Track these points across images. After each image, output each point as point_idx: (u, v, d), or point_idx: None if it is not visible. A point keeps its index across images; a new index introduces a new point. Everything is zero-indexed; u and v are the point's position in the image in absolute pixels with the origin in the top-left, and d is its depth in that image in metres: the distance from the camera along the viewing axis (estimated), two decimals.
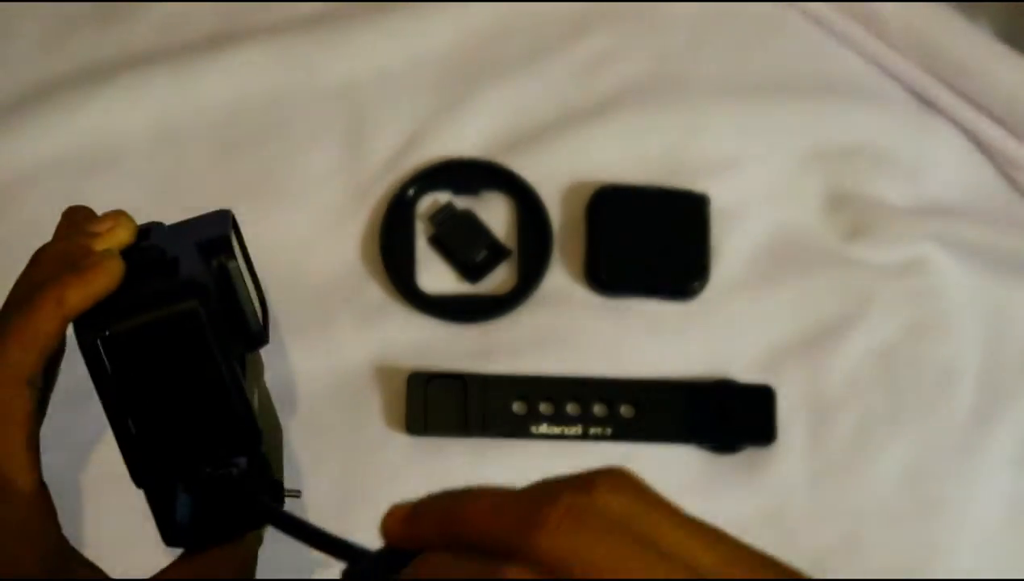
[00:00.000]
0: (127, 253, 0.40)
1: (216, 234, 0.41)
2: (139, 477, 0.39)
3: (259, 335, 0.42)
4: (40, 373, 0.38)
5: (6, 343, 0.37)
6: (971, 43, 0.66)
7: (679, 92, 0.68)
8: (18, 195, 0.65)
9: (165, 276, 0.39)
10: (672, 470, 0.63)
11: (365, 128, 0.67)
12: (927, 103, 0.69)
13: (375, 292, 0.64)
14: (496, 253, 0.65)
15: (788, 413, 0.63)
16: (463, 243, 0.64)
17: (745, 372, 0.64)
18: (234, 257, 0.41)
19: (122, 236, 0.41)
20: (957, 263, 0.66)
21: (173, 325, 0.37)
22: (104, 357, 0.37)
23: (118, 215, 0.41)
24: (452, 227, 0.65)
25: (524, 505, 0.30)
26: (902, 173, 0.68)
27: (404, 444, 0.62)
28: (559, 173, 0.66)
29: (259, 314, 0.43)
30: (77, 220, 0.42)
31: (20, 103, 0.66)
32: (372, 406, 0.63)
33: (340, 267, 0.64)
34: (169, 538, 0.40)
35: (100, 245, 0.40)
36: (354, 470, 0.62)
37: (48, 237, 0.63)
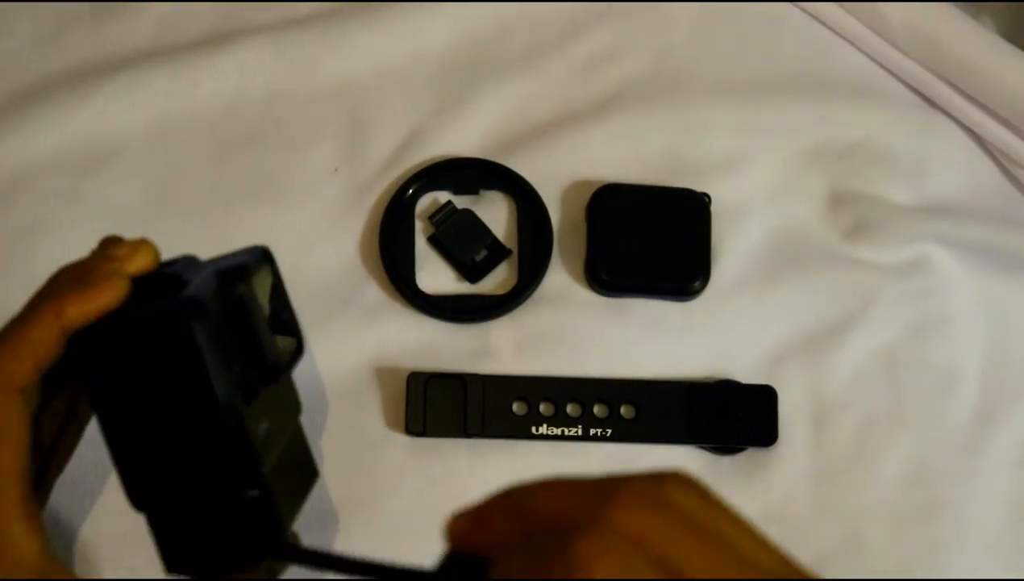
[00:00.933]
0: (143, 278, 0.40)
1: (236, 262, 0.40)
2: (136, 500, 0.38)
3: (276, 366, 0.41)
4: (36, 384, 0.38)
5: (0, 352, 0.37)
6: (974, 41, 0.65)
7: (680, 91, 0.68)
8: (16, 194, 0.64)
9: (170, 298, 0.38)
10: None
11: (364, 127, 0.67)
12: (930, 101, 0.69)
13: (374, 292, 0.64)
14: (496, 253, 0.65)
15: (790, 414, 0.63)
16: (463, 243, 0.64)
17: (746, 372, 0.64)
18: (249, 284, 0.40)
19: (140, 262, 0.40)
20: (960, 263, 0.66)
21: (165, 342, 0.37)
22: (94, 372, 0.37)
23: (140, 242, 0.41)
24: (452, 227, 0.64)
25: (599, 486, 0.31)
26: (904, 172, 0.68)
27: (403, 444, 0.62)
28: (559, 172, 0.66)
29: (283, 347, 0.42)
30: (105, 247, 0.42)
31: (18, 102, 0.65)
32: (371, 406, 0.62)
33: (339, 267, 0.64)
34: (172, 564, 0.39)
35: (113, 266, 0.40)
36: (353, 470, 0.61)
37: (46, 236, 0.63)
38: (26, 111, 0.65)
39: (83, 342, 0.37)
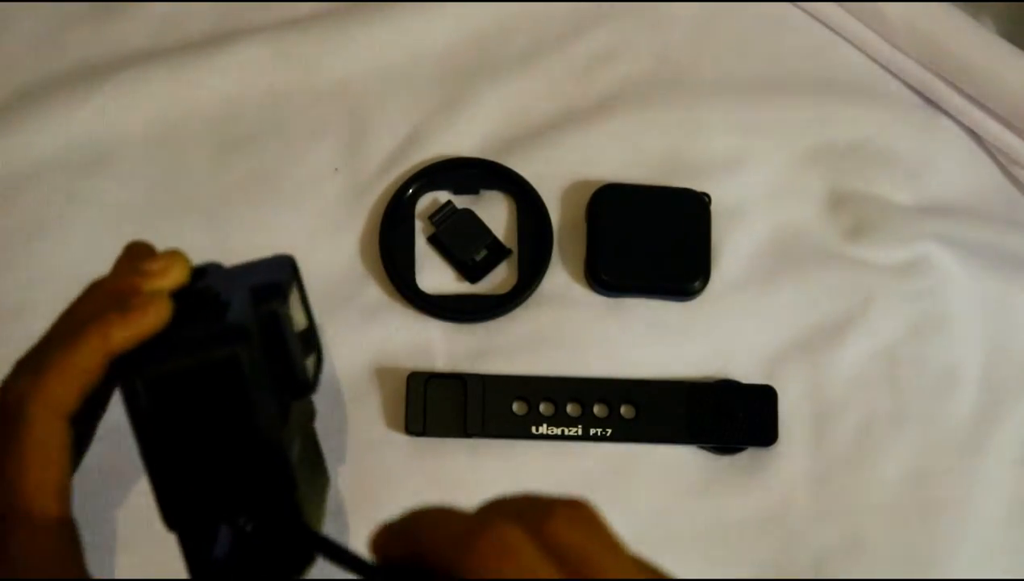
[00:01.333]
0: (179, 294, 0.40)
1: (271, 279, 0.41)
2: (171, 520, 0.38)
3: (306, 384, 0.41)
4: (79, 409, 0.38)
5: (47, 377, 0.37)
6: (975, 41, 0.65)
7: (680, 90, 0.68)
8: (16, 193, 0.64)
9: (212, 320, 0.38)
10: (673, 471, 0.62)
11: (364, 127, 0.67)
12: (930, 101, 0.69)
13: (374, 291, 0.64)
14: (496, 252, 0.65)
15: (790, 413, 0.63)
16: (463, 242, 0.64)
17: (746, 372, 0.64)
18: (285, 303, 0.40)
19: (176, 276, 0.40)
20: (959, 263, 0.66)
21: (212, 370, 0.37)
22: (141, 397, 0.36)
23: (173, 255, 0.41)
24: (452, 226, 0.64)
25: (464, 528, 0.31)
26: (904, 172, 0.68)
27: (403, 444, 0.62)
28: (559, 172, 0.66)
29: (308, 362, 0.42)
30: (134, 256, 0.41)
31: (18, 101, 0.65)
32: (371, 406, 0.62)
33: (339, 266, 0.64)
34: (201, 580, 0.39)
35: (151, 284, 0.39)
36: (353, 470, 0.61)
37: (46, 236, 0.63)
38: (26, 111, 0.65)
39: (128, 367, 0.37)
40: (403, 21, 0.68)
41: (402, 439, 0.62)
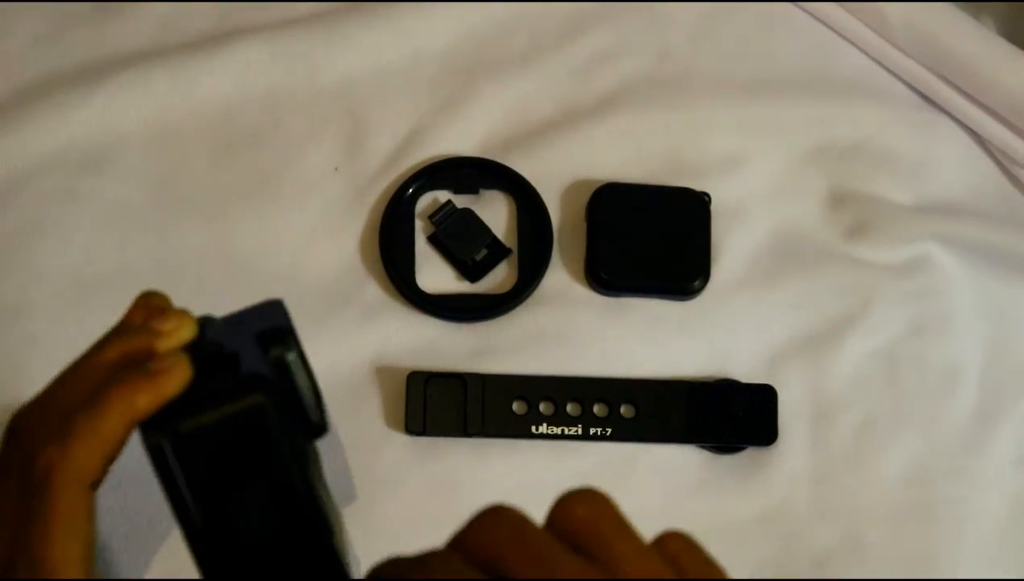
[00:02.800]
0: (189, 349, 0.40)
1: (275, 324, 0.41)
2: (211, 577, 0.38)
3: (319, 426, 0.42)
4: (102, 477, 0.38)
5: (72, 444, 0.37)
6: (975, 41, 0.65)
7: (680, 90, 0.68)
8: (15, 193, 0.64)
9: (227, 372, 0.38)
10: (673, 470, 0.62)
11: (364, 127, 0.67)
12: (930, 101, 0.69)
13: (374, 291, 0.64)
14: (496, 252, 0.65)
15: (789, 413, 0.63)
16: (463, 242, 0.64)
17: (746, 372, 0.64)
18: (293, 348, 0.40)
19: (185, 335, 0.40)
20: (959, 262, 0.66)
21: (239, 421, 0.37)
22: (169, 457, 0.36)
23: (182, 315, 0.41)
24: (452, 226, 0.64)
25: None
26: (904, 171, 0.68)
27: (403, 444, 0.62)
28: (559, 172, 0.66)
29: (316, 404, 0.42)
30: (147, 309, 0.42)
31: (17, 101, 0.65)
32: (371, 406, 0.62)
33: (339, 266, 0.64)
34: None
35: (164, 344, 0.39)
36: (353, 470, 0.61)
37: (46, 236, 0.63)
38: (26, 111, 0.65)
39: (155, 428, 0.37)
40: (403, 21, 0.68)
41: (402, 439, 0.62)
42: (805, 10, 0.70)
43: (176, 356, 0.38)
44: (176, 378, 0.38)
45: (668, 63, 0.69)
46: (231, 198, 0.65)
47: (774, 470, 0.62)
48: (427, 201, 0.66)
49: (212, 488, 0.37)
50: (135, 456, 0.38)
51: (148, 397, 0.37)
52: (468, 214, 0.65)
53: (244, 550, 0.38)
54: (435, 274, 0.64)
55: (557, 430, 0.62)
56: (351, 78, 0.67)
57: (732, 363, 0.64)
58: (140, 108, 0.66)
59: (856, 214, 0.66)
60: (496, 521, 0.31)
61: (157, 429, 0.37)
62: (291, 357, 0.40)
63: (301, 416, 0.41)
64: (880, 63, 0.69)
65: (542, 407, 0.62)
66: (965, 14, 0.66)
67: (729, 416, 0.62)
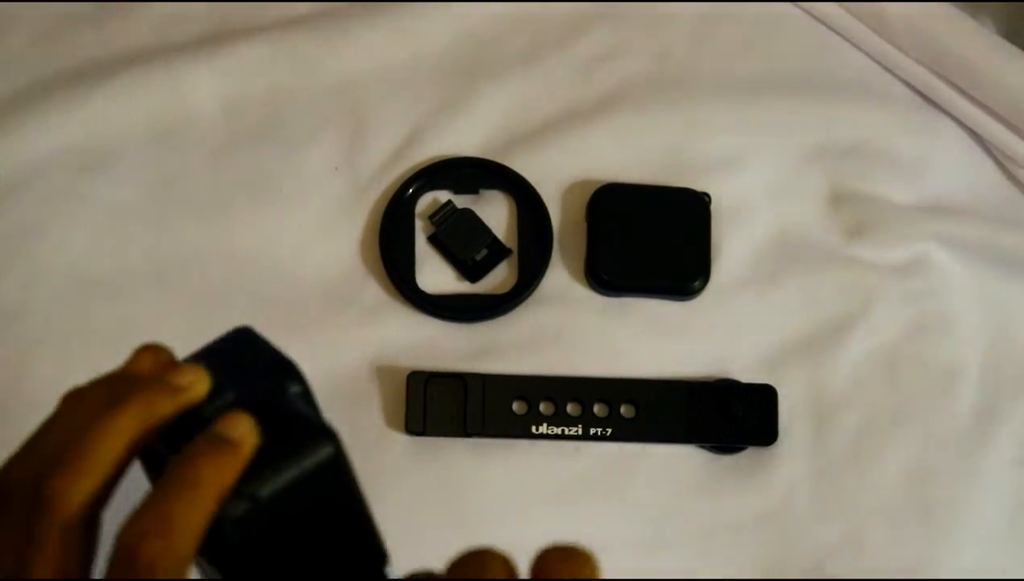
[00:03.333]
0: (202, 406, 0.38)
1: (273, 357, 0.39)
2: None
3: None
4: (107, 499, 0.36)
5: (80, 473, 0.35)
6: (975, 41, 0.65)
7: (680, 90, 0.68)
8: (16, 194, 0.64)
9: (280, 424, 0.36)
10: (673, 470, 0.62)
11: (364, 126, 0.67)
12: (930, 101, 0.69)
13: (374, 291, 0.64)
14: (496, 252, 0.65)
15: (790, 413, 0.63)
16: (463, 242, 0.64)
17: (746, 372, 0.64)
18: (301, 382, 0.39)
19: (201, 390, 0.38)
20: (959, 262, 0.66)
21: (315, 475, 0.36)
22: (250, 525, 0.35)
23: (197, 370, 0.38)
24: (452, 226, 0.64)
25: None
26: (905, 171, 0.68)
27: (403, 444, 0.62)
28: (559, 172, 0.66)
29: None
30: (155, 362, 0.39)
31: (17, 102, 0.65)
32: (371, 406, 0.62)
33: (339, 266, 0.64)
34: None
35: (183, 400, 0.37)
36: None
37: (46, 236, 0.63)
38: (26, 111, 0.65)
39: (241, 502, 0.35)
40: (403, 21, 0.68)
41: (402, 438, 0.62)
42: (805, 10, 0.70)
43: (246, 422, 0.36)
44: (242, 453, 0.36)
45: (668, 63, 0.69)
46: (231, 198, 0.65)
47: (774, 470, 0.62)
48: (427, 201, 0.66)
49: (280, 543, 0.36)
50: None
51: (234, 470, 0.35)
52: (468, 214, 0.65)
53: None
54: (435, 274, 0.64)
55: (557, 430, 0.62)
56: (351, 78, 0.67)
57: (732, 363, 0.64)
58: (140, 108, 0.66)
59: (856, 214, 0.66)
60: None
61: (239, 499, 0.35)
62: (302, 391, 0.39)
63: None
64: (880, 63, 0.69)
65: (542, 407, 0.62)
66: (965, 14, 0.66)
67: (729, 416, 0.62)
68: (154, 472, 0.38)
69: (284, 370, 0.39)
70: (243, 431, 0.36)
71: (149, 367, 0.39)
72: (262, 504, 0.35)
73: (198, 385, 0.38)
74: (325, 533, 0.37)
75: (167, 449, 0.36)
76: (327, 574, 0.37)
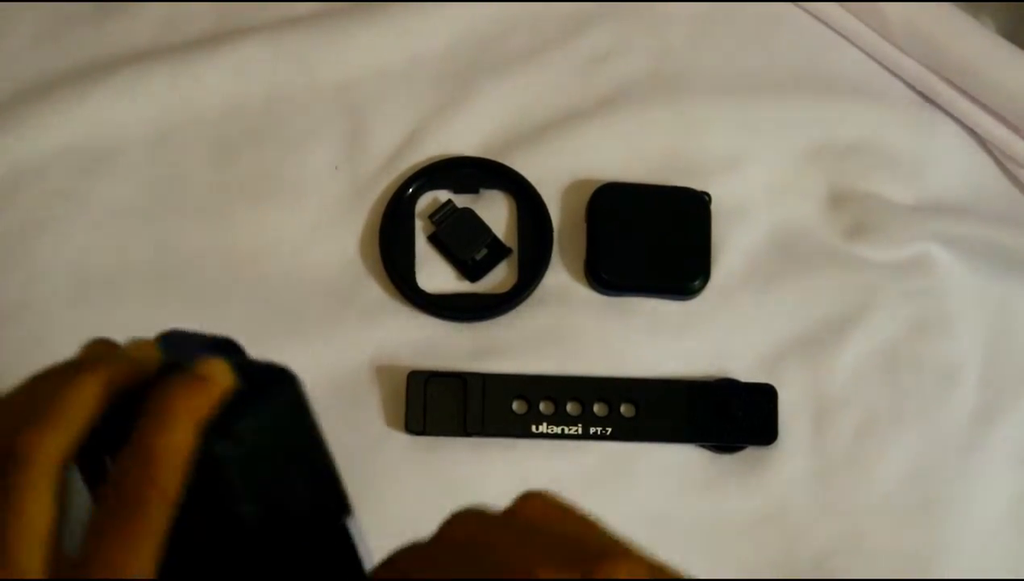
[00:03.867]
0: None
1: (212, 339, 0.41)
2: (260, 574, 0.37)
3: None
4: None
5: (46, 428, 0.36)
6: (974, 40, 0.65)
7: (680, 90, 0.68)
8: (15, 193, 0.64)
9: (241, 371, 0.38)
10: (673, 470, 0.62)
11: (364, 126, 0.67)
12: (930, 101, 0.69)
13: (374, 291, 0.64)
14: (496, 252, 0.65)
15: (790, 412, 0.63)
16: (463, 241, 0.64)
17: (746, 371, 0.64)
18: (242, 353, 0.41)
19: (154, 357, 0.40)
20: (959, 262, 0.66)
21: (284, 412, 0.38)
22: (231, 462, 0.36)
23: (146, 342, 0.40)
24: (452, 225, 0.64)
25: (502, 562, 0.32)
26: (904, 171, 0.68)
27: (403, 443, 0.62)
28: (559, 171, 0.66)
29: None
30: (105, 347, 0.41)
31: (17, 101, 0.65)
32: (371, 405, 0.62)
33: (339, 266, 0.64)
34: None
35: (140, 365, 0.39)
36: (353, 469, 0.61)
37: (46, 236, 0.63)
38: (26, 111, 0.65)
39: (216, 439, 0.36)
40: (403, 21, 0.68)
41: (402, 438, 0.62)
42: (805, 10, 0.70)
43: (220, 363, 0.38)
44: (224, 382, 0.37)
45: (668, 62, 0.69)
46: (231, 198, 0.65)
47: (774, 470, 0.62)
48: (427, 201, 0.66)
49: (261, 485, 0.37)
50: None
51: (207, 400, 0.36)
52: (468, 214, 0.65)
53: (286, 540, 0.38)
54: (435, 274, 0.64)
55: (557, 429, 0.62)
56: (351, 78, 0.67)
57: (732, 363, 0.64)
58: (140, 108, 0.66)
59: (856, 214, 0.66)
60: None
61: (215, 435, 0.36)
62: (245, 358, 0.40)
63: None
64: (880, 63, 0.69)
65: (542, 406, 0.62)
66: (965, 14, 0.66)
67: (729, 416, 0.62)
68: (92, 482, 0.39)
69: (226, 344, 0.40)
70: (216, 370, 0.37)
71: (104, 350, 0.40)
72: (246, 440, 0.36)
73: (151, 354, 0.39)
74: (295, 477, 0.38)
75: (109, 450, 0.37)
76: (296, 520, 0.38)
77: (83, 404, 0.36)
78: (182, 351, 0.40)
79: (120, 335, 0.64)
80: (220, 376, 0.37)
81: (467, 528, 0.36)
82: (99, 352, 0.40)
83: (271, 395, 0.37)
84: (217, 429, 0.36)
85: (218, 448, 0.36)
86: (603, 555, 0.33)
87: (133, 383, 0.38)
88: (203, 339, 0.41)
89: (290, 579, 0.38)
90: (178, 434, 0.35)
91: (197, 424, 0.36)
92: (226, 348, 0.41)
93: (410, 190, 0.65)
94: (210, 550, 0.37)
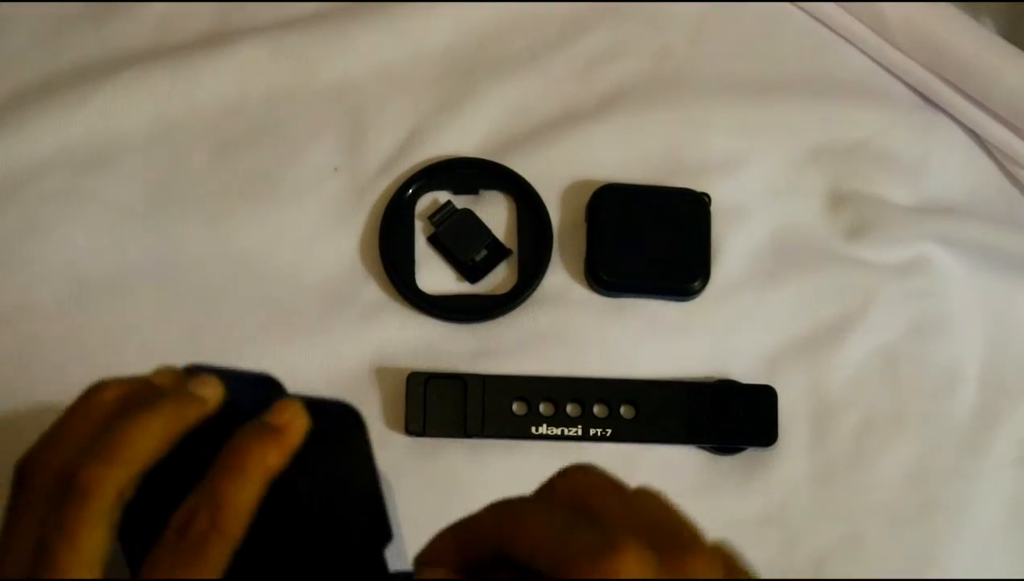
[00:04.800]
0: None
1: (256, 375, 0.42)
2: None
3: None
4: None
5: (114, 462, 0.37)
6: (975, 41, 0.65)
7: (680, 90, 0.68)
8: (15, 193, 0.64)
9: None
10: (673, 471, 0.62)
11: (364, 127, 0.67)
12: (930, 101, 0.69)
13: (374, 292, 0.64)
14: (496, 252, 0.65)
15: (789, 413, 0.63)
16: (463, 242, 0.64)
17: (746, 372, 0.64)
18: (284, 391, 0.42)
19: (218, 399, 0.41)
20: (959, 263, 0.66)
21: (348, 439, 0.40)
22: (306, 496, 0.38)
23: (213, 381, 0.41)
24: (452, 226, 0.64)
25: (588, 542, 0.32)
26: (904, 172, 0.68)
27: (403, 444, 0.62)
28: (559, 172, 0.66)
29: None
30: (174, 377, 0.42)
31: (17, 102, 0.65)
32: (371, 406, 0.62)
33: (339, 267, 0.64)
34: None
35: (205, 407, 0.40)
36: None
37: (46, 236, 0.63)
38: (26, 111, 0.65)
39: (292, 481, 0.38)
40: (403, 21, 0.68)
41: (401, 439, 0.62)
42: (805, 10, 0.70)
43: (295, 407, 0.39)
44: (299, 430, 0.38)
45: (668, 63, 0.69)
46: (231, 198, 0.65)
47: (774, 471, 0.62)
48: (427, 201, 0.66)
49: (324, 516, 0.38)
50: None
51: (280, 454, 0.37)
52: (468, 214, 0.65)
53: (333, 566, 0.38)
54: (435, 274, 0.64)
55: (557, 431, 0.62)
56: (351, 78, 0.67)
57: (732, 363, 0.64)
58: (140, 108, 0.66)
59: (856, 214, 0.66)
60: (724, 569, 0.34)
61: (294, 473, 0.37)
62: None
63: None
64: (880, 63, 0.69)
65: (542, 408, 0.62)
66: (965, 14, 0.66)
67: (729, 417, 0.62)
68: (133, 553, 0.40)
69: (271, 382, 0.42)
70: (289, 416, 0.38)
71: (168, 381, 0.41)
72: (319, 479, 0.38)
73: (216, 394, 0.40)
74: (352, 508, 0.40)
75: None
76: (345, 547, 0.39)
77: (148, 445, 0.37)
78: (237, 388, 0.40)
79: (120, 335, 0.64)
80: (295, 423, 0.38)
81: (576, 485, 0.37)
82: (167, 383, 0.41)
83: (343, 438, 0.40)
84: (294, 468, 0.37)
85: (299, 486, 0.37)
86: (684, 547, 0.34)
87: (196, 423, 0.38)
88: (244, 375, 0.41)
89: None
90: (251, 486, 0.36)
91: (269, 476, 0.37)
92: (266, 384, 0.41)
93: (410, 191, 0.65)
94: (265, 573, 0.38)
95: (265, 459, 0.37)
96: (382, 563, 0.41)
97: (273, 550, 0.37)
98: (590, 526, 0.33)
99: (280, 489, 0.37)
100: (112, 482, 0.36)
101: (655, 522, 0.34)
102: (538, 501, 0.35)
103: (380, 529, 0.41)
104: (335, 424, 0.40)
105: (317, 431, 0.38)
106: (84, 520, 0.36)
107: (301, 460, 0.37)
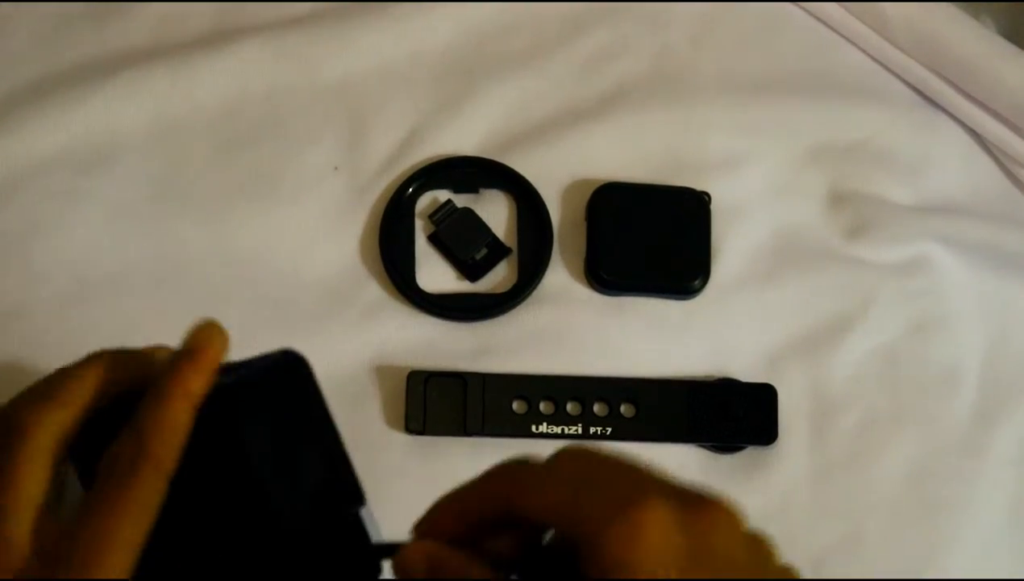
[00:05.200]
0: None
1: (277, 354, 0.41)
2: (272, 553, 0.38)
3: None
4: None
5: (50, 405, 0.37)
6: (975, 40, 0.65)
7: (680, 90, 0.68)
8: (15, 193, 0.64)
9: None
10: (673, 470, 0.62)
11: (364, 126, 0.67)
12: (930, 101, 0.69)
13: (374, 290, 0.64)
14: (496, 251, 0.65)
15: (789, 412, 0.63)
16: (463, 241, 0.64)
17: (746, 371, 0.64)
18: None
19: (160, 354, 0.41)
20: (960, 262, 0.66)
21: (287, 384, 0.39)
22: (242, 433, 0.37)
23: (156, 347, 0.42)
24: (452, 225, 0.64)
25: (613, 496, 0.32)
26: (905, 171, 0.68)
27: (403, 443, 0.62)
28: (559, 171, 0.66)
29: None
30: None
31: (17, 101, 0.65)
32: (371, 405, 0.62)
33: (339, 265, 0.64)
34: None
35: (143, 357, 0.41)
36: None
37: (46, 236, 0.63)
38: (26, 111, 0.65)
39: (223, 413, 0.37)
40: (403, 20, 0.68)
41: (402, 438, 0.62)
42: (805, 10, 0.70)
43: (210, 327, 0.39)
44: (218, 349, 0.38)
45: (669, 62, 0.69)
46: (231, 198, 0.65)
47: (774, 469, 0.62)
48: (427, 201, 0.66)
49: (277, 454, 0.37)
50: None
51: (197, 372, 0.37)
52: (468, 214, 0.65)
53: (303, 523, 0.38)
54: (435, 274, 0.64)
55: (557, 429, 0.62)
56: (351, 78, 0.67)
57: (732, 362, 0.64)
58: (140, 108, 0.66)
59: (856, 214, 0.66)
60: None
61: (221, 409, 0.37)
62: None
63: None
64: (880, 63, 0.69)
65: (542, 406, 0.62)
66: (965, 14, 0.67)
67: (729, 416, 0.62)
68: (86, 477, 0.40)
69: (291, 355, 0.41)
70: (204, 336, 0.38)
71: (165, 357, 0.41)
72: (257, 403, 0.37)
73: (163, 353, 0.41)
74: (309, 454, 0.39)
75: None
76: (312, 502, 0.38)
77: (83, 385, 0.38)
78: (249, 367, 0.40)
79: (120, 335, 0.64)
80: (212, 342, 0.38)
81: (576, 464, 0.36)
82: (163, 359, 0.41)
83: (281, 368, 0.39)
84: (240, 429, 0.37)
85: (247, 447, 0.36)
86: (706, 501, 0.34)
87: (141, 377, 0.38)
88: (262, 358, 0.41)
89: (309, 566, 0.38)
90: (172, 407, 0.36)
91: (190, 396, 0.37)
92: (285, 358, 0.41)
93: (410, 190, 0.65)
94: (233, 534, 0.38)
95: (184, 382, 0.37)
96: (361, 530, 0.40)
97: (227, 517, 0.37)
98: (609, 482, 0.33)
99: (228, 453, 0.37)
100: (47, 422, 0.37)
101: (671, 482, 0.35)
102: (551, 463, 0.35)
103: (346, 488, 0.40)
104: (276, 376, 0.39)
105: (258, 384, 0.38)
106: (21, 458, 0.36)
107: (246, 419, 0.37)
